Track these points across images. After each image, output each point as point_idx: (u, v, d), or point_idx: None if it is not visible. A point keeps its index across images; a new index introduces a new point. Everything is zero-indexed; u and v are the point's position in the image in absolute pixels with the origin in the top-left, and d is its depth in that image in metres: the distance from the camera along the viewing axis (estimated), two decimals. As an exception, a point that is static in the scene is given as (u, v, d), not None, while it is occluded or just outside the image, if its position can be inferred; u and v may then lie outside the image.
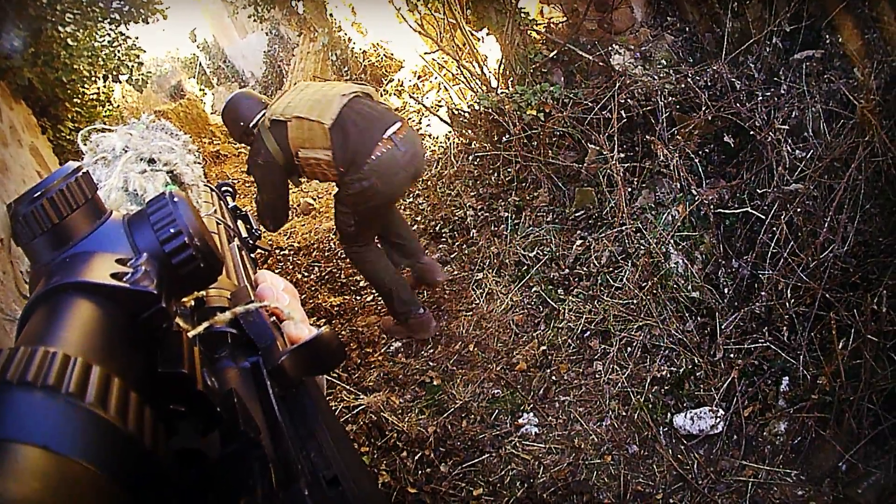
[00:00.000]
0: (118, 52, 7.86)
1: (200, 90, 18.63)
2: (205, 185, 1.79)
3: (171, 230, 0.73)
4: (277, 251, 7.89)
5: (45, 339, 0.58)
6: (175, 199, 0.75)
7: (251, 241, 2.11)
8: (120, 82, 8.64)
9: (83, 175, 0.75)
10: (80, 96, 6.95)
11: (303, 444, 0.76)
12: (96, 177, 1.28)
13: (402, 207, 7.73)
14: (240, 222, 2.11)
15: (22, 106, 5.45)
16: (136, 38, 8.14)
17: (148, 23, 7.74)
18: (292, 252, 7.87)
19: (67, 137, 6.19)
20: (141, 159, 1.35)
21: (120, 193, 1.26)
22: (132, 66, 8.06)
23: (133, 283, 0.66)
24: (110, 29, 7.71)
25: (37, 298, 0.66)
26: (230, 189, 2.25)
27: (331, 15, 12.85)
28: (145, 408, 0.55)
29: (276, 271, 7.05)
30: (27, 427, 0.47)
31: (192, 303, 0.90)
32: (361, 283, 6.89)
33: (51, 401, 0.49)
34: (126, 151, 1.35)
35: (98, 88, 7.77)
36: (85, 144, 1.37)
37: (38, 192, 0.72)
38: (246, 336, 0.86)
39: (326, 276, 7.23)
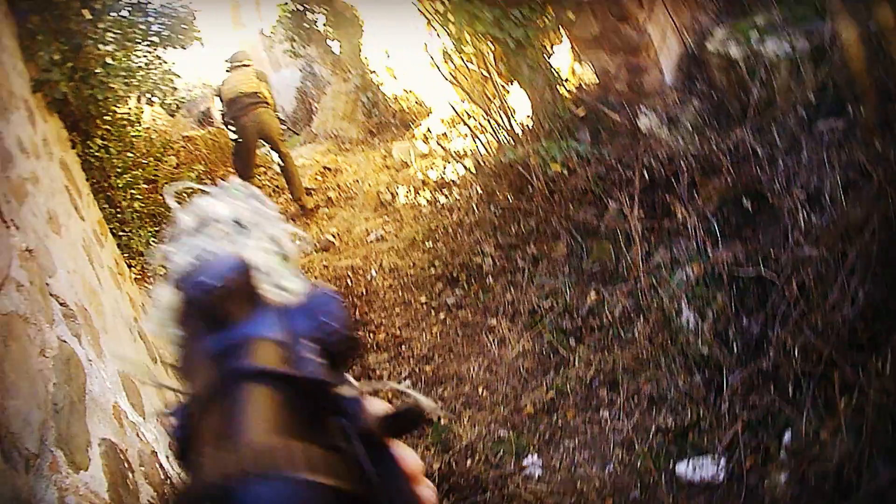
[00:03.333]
0: (153, 74, 7.98)
1: (230, 119, 18.67)
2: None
3: (331, 322, 0.86)
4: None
5: (241, 429, 0.68)
6: (332, 295, 0.90)
7: None
8: (153, 105, 8.75)
9: (246, 267, 0.89)
10: (111, 115, 7.02)
11: (390, 497, 0.87)
12: (215, 247, 1.33)
13: (422, 251, 7.85)
14: None
15: (55, 119, 5.52)
16: (173, 63, 8.28)
17: (185, 49, 7.89)
18: (310, 288, 7.92)
19: (96, 154, 6.25)
20: (258, 233, 1.40)
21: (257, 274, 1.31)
22: (166, 91, 8.19)
23: (311, 371, 0.78)
24: (147, 51, 7.85)
25: (217, 384, 0.76)
26: None
27: (365, 57, 13.06)
28: (352, 468, 0.68)
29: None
30: None
31: None
32: (376, 322, 6.98)
33: (290, 484, 0.60)
34: (239, 225, 1.39)
35: (129, 108, 7.87)
36: (178, 202, 1.41)
37: (211, 280, 0.84)
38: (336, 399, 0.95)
39: (342, 313, 7.28)
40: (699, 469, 4.36)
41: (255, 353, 0.78)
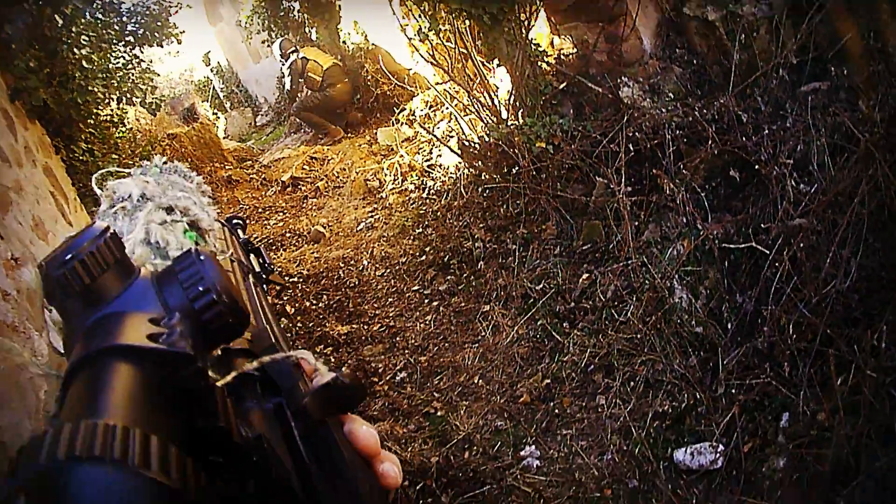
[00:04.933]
0: (132, 74, 7.93)
1: (213, 114, 18.66)
2: (219, 225, 1.78)
3: (200, 288, 0.74)
4: (287, 278, 7.89)
5: (96, 409, 0.59)
6: (202, 257, 0.77)
7: (265, 276, 2.11)
8: (134, 105, 8.72)
9: (112, 236, 0.77)
10: (94, 117, 6.98)
11: (331, 484, 0.78)
12: (117, 227, 1.27)
13: (413, 238, 7.82)
14: (252, 257, 2.11)
15: (36, 126, 5.48)
16: (151, 61, 8.24)
17: (162, 46, 7.83)
18: (301, 280, 7.87)
19: (80, 158, 6.23)
20: (160, 208, 1.34)
21: (144, 248, 1.26)
22: (146, 90, 8.14)
23: (170, 344, 0.67)
24: (125, 52, 7.79)
25: (78, 363, 0.66)
26: (240, 222, 2.24)
27: (344, 42, 13.08)
28: (201, 472, 0.57)
29: (285, 299, 7.08)
30: (100, 501, 0.49)
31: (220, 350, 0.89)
32: (369, 313, 6.91)
33: (120, 474, 0.50)
34: (144, 199, 1.33)
35: (112, 110, 7.82)
36: (101, 189, 1.35)
37: (70, 255, 0.73)
38: (268, 378, 0.87)
39: (334, 305, 7.24)
40: (697, 456, 4.26)
41: (124, 329, 0.69)
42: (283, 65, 13.23)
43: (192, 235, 1.39)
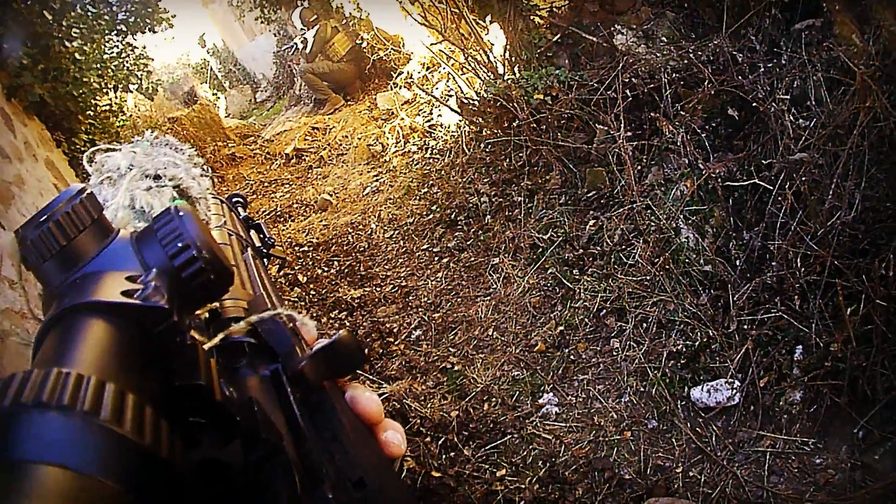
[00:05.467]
0: (126, 62, 7.94)
1: (213, 94, 18.67)
2: (214, 198, 1.77)
3: (179, 244, 0.73)
4: (297, 248, 7.93)
5: (58, 360, 0.59)
6: (181, 214, 0.75)
7: (265, 250, 2.10)
8: (131, 92, 8.72)
9: (88, 196, 0.77)
10: (92, 108, 6.99)
11: (327, 448, 0.77)
12: (103, 196, 1.25)
13: (419, 198, 7.85)
14: (252, 232, 2.10)
15: (35, 121, 5.51)
16: (144, 47, 8.26)
17: (155, 32, 7.84)
18: (311, 248, 7.90)
19: (82, 150, 6.21)
20: (146, 176, 1.33)
21: (126, 212, 1.26)
22: (141, 76, 8.15)
23: (144, 299, 0.67)
24: (118, 41, 7.80)
25: (49, 321, 0.66)
26: (241, 200, 2.24)
27: (337, 10, 13.03)
28: (161, 421, 0.56)
29: (297, 268, 7.12)
30: (44, 447, 0.48)
31: (208, 315, 0.90)
32: (381, 275, 6.96)
33: (66, 420, 0.50)
34: (131, 169, 1.34)
35: (110, 99, 7.83)
36: (90, 165, 1.35)
37: (45, 216, 0.73)
38: (265, 344, 0.87)
39: (346, 270, 7.28)
40: (714, 393, 4.32)
41: (99, 287, 0.69)
42: (305, 31, 13.70)
43: (180, 202, 1.40)
